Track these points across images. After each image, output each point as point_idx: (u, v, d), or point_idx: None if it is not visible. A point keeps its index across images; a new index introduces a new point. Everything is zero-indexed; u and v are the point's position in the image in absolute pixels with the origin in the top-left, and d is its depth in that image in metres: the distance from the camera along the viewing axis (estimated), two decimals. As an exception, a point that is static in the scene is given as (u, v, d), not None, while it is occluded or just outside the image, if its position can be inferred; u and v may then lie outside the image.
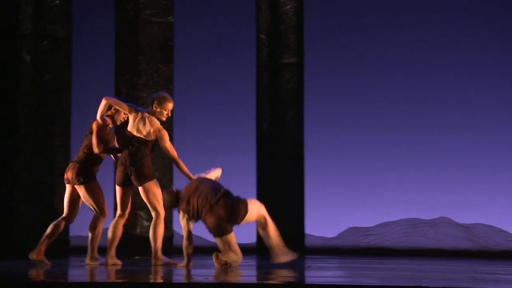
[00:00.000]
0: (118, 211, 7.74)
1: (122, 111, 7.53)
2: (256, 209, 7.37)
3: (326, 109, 12.22)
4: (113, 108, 7.60)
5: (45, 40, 9.64)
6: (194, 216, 7.28)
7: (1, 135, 9.89)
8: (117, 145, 7.76)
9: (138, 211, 9.63)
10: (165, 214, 7.69)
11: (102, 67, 10.87)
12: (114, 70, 9.94)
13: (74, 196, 7.66)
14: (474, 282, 5.42)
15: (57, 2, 9.68)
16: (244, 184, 11.33)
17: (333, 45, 12.21)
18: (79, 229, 10.94)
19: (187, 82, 11.21)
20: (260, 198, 10.90)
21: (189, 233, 7.41)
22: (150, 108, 7.48)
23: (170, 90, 9.86)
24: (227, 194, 7.28)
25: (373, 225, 12.80)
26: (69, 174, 7.70)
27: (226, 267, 7.10)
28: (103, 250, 7.86)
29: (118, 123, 7.69)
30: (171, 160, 9.78)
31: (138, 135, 7.43)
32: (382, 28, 12.17)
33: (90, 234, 7.76)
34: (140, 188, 7.54)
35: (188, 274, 6.35)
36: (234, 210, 7.18)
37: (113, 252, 7.72)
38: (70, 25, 9.84)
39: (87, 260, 7.72)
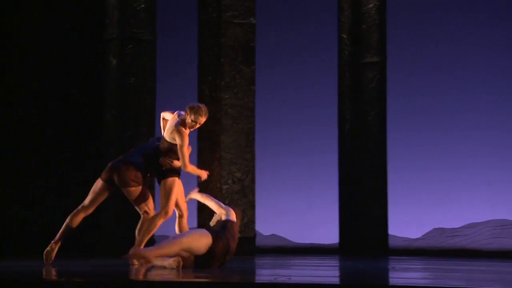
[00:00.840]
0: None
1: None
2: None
3: (409, 108, 12.21)
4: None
5: (130, 43, 9.98)
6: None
7: (87, 137, 10.28)
8: None
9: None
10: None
11: (185, 69, 11.10)
12: (197, 72, 10.16)
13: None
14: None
15: (143, 6, 10.00)
16: (326, 184, 11.40)
17: (416, 43, 12.20)
18: (164, 229, 11.25)
19: (269, 83, 11.33)
20: (342, 198, 10.97)
21: None
22: (184, 114, 7.69)
23: (252, 91, 10.03)
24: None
25: (460, 226, 12.72)
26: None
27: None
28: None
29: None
30: (253, 160, 10.00)
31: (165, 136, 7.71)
32: (466, 26, 12.11)
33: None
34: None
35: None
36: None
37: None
38: (155, 29, 10.15)
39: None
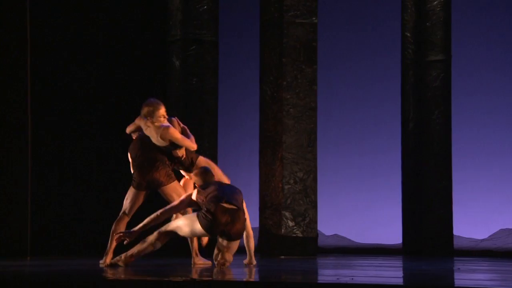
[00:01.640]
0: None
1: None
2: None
3: (474, 106, 12.17)
4: None
5: (193, 44, 10.19)
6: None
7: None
8: None
9: (283, 211, 9.94)
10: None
11: (247, 70, 11.25)
12: (259, 72, 10.29)
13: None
14: None
15: (205, 7, 10.20)
16: (388, 184, 11.42)
17: (482, 40, 12.15)
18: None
19: (331, 82, 11.40)
20: (406, 197, 10.98)
21: None
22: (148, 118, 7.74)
23: (313, 90, 10.12)
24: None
25: (528, 227, 12.62)
26: None
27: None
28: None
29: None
30: (315, 160, 10.10)
31: None
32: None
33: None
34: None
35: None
36: None
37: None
38: (217, 30, 10.34)
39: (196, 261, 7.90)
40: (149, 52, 10.56)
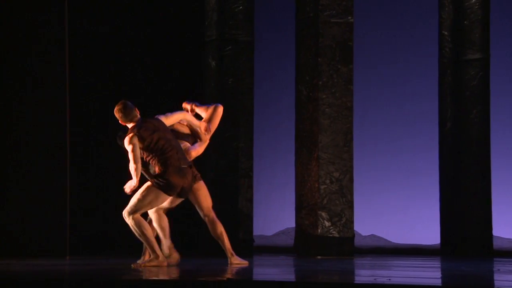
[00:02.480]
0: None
1: None
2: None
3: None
4: None
5: (229, 45, 10.29)
6: None
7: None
8: None
9: (319, 211, 9.99)
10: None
11: (283, 70, 11.32)
12: (294, 72, 10.36)
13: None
14: None
15: (241, 8, 10.30)
16: (426, 184, 11.41)
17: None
18: (262, 228, 11.52)
19: (367, 82, 11.43)
20: (444, 197, 10.97)
21: None
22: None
23: (350, 90, 10.16)
24: None
25: None
26: None
27: None
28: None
29: None
30: (351, 160, 10.15)
31: None
32: None
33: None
34: None
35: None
36: None
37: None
38: (252, 30, 10.43)
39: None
40: (185, 52, 10.68)
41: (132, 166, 7.32)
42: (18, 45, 9.61)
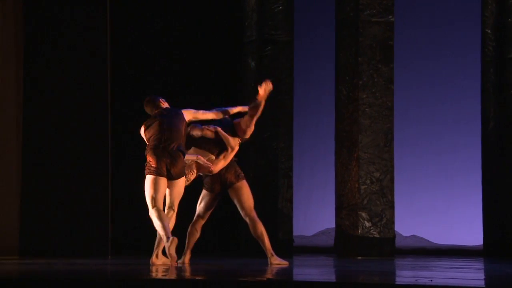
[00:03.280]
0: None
1: None
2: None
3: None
4: None
5: (268, 45, 10.37)
6: None
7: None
8: None
9: (359, 212, 10.02)
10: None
11: (323, 70, 11.34)
12: (334, 72, 10.40)
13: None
14: None
15: (280, 8, 10.36)
16: (469, 183, 11.36)
17: None
18: (302, 229, 11.56)
19: (408, 81, 11.41)
20: (486, 198, 10.91)
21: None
22: None
23: (390, 90, 10.18)
24: None
25: None
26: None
27: None
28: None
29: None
30: (392, 160, 10.15)
31: None
32: None
33: None
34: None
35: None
36: None
37: None
38: (292, 30, 10.50)
39: None
40: (224, 53, 10.76)
41: None
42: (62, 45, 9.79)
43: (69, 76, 9.79)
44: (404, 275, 6.79)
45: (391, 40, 10.16)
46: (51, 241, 9.56)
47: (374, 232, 9.98)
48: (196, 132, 8.00)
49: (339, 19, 10.27)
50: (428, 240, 11.78)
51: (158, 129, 7.79)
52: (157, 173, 7.68)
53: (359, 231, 9.94)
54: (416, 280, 6.03)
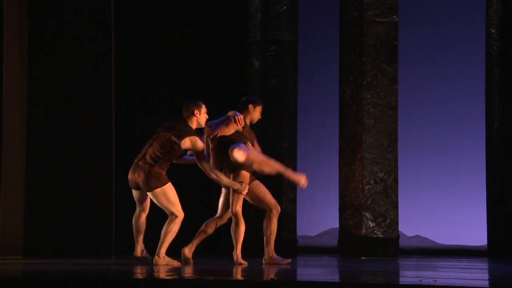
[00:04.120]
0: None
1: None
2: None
3: None
4: None
5: (272, 45, 10.39)
6: None
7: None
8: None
9: (363, 212, 10.04)
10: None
11: (327, 70, 11.36)
12: (338, 72, 10.41)
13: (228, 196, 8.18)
14: None
15: (284, 8, 10.39)
16: (473, 184, 11.37)
17: None
18: (306, 229, 11.58)
19: (412, 81, 11.42)
20: (491, 198, 10.90)
21: None
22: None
23: (394, 90, 10.20)
24: None
25: None
26: None
27: None
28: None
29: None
30: (396, 160, 10.16)
31: None
32: None
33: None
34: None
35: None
36: None
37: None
38: (296, 30, 10.52)
39: None
40: (228, 53, 10.79)
41: None
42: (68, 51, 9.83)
43: (73, 78, 9.82)
44: (408, 275, 6.82)
45: (395, 40, 10.18)
46: (55, 241, 9.60)
47: (378, 232, 10.01)
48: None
49: (343, 19, 10.29)
50: (432, 240, 11.79)
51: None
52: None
53: (363, 231, 9.96)
54: (420, 280, 6.06)
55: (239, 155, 7.83)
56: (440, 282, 5.92)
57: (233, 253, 8.04)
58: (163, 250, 7.88)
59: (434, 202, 11.80)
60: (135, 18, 10.62)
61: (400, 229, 10.25)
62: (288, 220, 10.31)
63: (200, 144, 7.93)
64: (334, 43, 10.47)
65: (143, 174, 7.91)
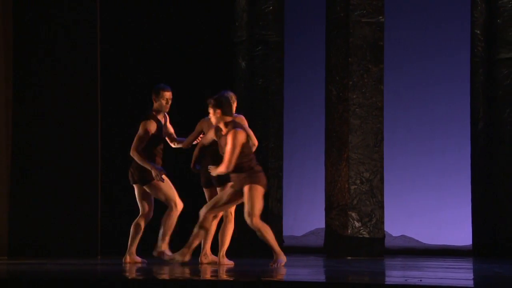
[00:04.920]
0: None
1: None
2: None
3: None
4: None
5: (259, 45, 10.40)
6: None
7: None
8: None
9: (349, 212, 10.05)
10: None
11: (313, 70, 11.38)
12: (324, 72, 10.43)
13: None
14: None
15: (271, 8, 10.39)
16: (458, 184, 11.41)
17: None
18: (292, 229, 11.60)
19: (398, 81, 11.45)
20: (476, 198, 10.94)
21: None
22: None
23: (380, 90, 10.22)
24: None
25: None
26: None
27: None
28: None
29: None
30: (382, 160, 10.19)
31: None
32: None
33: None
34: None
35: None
36: None
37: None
38: (282, 30, 10.53)
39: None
40: (215, 53, 10.78)
41: None
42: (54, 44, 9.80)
43: (59, 76, 9.79)
44: (393, 275, 6.83)
45: (381, 41, 10.20)
46: (40, 241, 9.57)
47: (364, 232, 10.02)
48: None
49: (330, 20, 10.30)
50: (417, 240, 11.82)
51: None
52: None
53: (349, 231, 9.98)
54: (406, 280, 6.07)
55: None
56: (425, 281, 5.93)
57: (219, 253, 8.04)
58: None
59: (420, 202, 11.84)
60: (120, 18, 10.60)
61: (386, 229, 10.27)
62: (274, 220, 10.31)
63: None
64: (321, 43, 10.49)
65: None
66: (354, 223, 9.98)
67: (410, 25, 11.82)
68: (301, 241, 11.74)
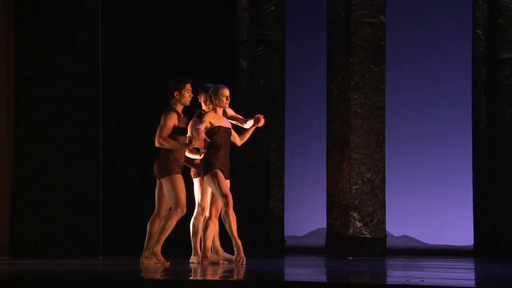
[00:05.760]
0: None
1: None
2: None
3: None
4: None
5: (260, 45, 10.40)
6: None
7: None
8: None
9: (350, 212, 10.06)
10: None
11: (314, 70, 11.38)
12: (326, 72, 10.43)
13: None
14: None
15: (272, 8, 10.39)
16: (459, 184, 11.41)
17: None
18: (293, 229, 11.60)
19: (399, 82, 11.46)
20: (477, 198, 10.94)
21: None
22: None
23: (382, 90, 10.22)
24: None
25: None
26: None
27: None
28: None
29: None
30: (383, 160, 10.19)
31: None
32: None
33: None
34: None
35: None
36: None
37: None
38: (284, 30, 10.54)
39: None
40: (216, 53, 10.79)
41: None
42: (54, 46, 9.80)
43: (60, 76, 9.80)
44: (395, 275, 6.83)
45: (383, 41, 10.20)
46: (42, 241, 9.58)
47: (365, 232, 10.02)
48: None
49: (331, 20, 10.31)
50: (419, 240, 11.82)
51: None
52: None
53: (350, 231, 9.98)
54: (407, 280, 6.07)
55: None
56: (427, 282, 5.94)
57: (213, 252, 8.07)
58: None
59: (421, 202, 11.84)
60: (122, 18, 10.61)
61: (387, 229, 10.27)
62: (275, 221, 10.31)
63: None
64: (322, 43, 10.49)
65: None
66: (355, 223, 9.98)
67: (411, 25, 11.82)
68: (303, 241, 11.74)
